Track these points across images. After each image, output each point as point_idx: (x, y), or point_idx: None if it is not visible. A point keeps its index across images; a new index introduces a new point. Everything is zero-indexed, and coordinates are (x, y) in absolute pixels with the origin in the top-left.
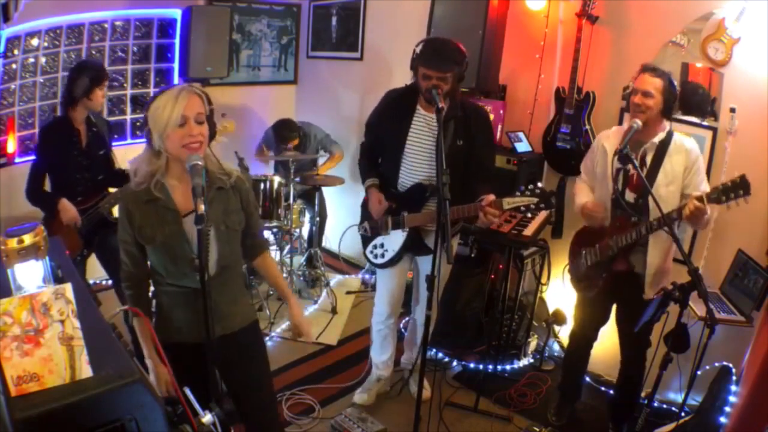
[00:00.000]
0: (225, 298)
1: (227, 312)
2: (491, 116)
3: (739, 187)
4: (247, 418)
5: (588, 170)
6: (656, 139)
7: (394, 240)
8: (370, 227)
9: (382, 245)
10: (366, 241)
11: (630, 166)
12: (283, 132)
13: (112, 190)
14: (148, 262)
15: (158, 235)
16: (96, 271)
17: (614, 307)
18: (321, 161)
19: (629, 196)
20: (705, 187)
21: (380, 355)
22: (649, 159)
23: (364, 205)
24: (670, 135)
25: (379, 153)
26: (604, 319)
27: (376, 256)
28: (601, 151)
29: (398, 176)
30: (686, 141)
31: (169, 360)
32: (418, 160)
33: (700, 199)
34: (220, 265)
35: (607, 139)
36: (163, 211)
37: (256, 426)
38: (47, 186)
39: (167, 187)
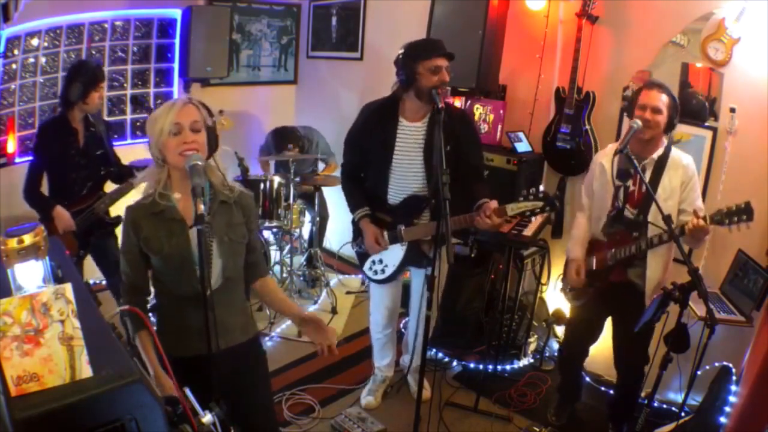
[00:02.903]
0: (229, 310)
1: (231, 325)
2: (491, 116)
3: (743, 213)
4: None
5: (589, 191)
6: (655, 156)
7: (393, 255)
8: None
9: (381, 261)
10: (362, 257)
11: (630, 183)
12: (282, 141)
13: (107, 190)
14: (150, 273)
15: (165, 246)
16: (96, 271)
17: (610, 320)
18: (319, 167)
19: (629, 212)
20: (699, 204)
21: (381, 359)
22: (648, 175)
23: (356, 222)
24: (667, 150)
25: (364, 170)
26: (597, 333)
27: (376, 272)
28: (599, 168)
29: (387, 191)
30: (683, 157)
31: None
32: (406, 173)
33: (703, 218)
34: (224, 277)
35: (605, 157)
36: (169, 223)
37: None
38: (45, 187)
39: (172, 199)
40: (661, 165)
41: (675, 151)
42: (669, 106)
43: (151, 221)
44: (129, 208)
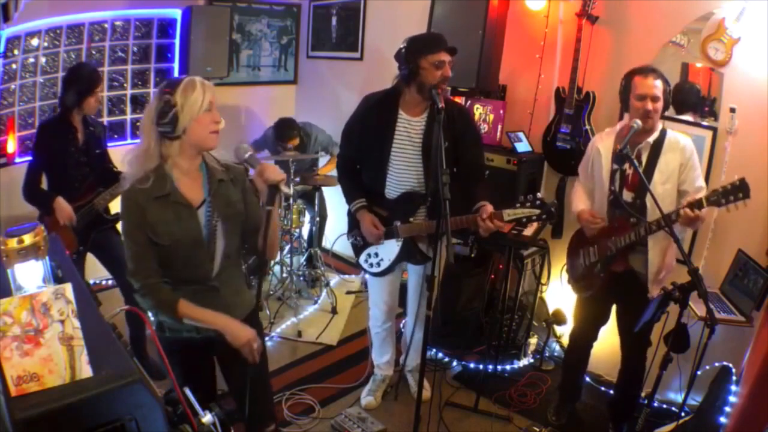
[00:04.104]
0: (230, 289)
1: (232, 303)
2: (491, 116)
3: (739, 190)
4: (244, 406)
5: (585, 173)
6: (651, 139)
7: (389, 249)
8: (362, 236)
9: (376, 254)
10: (358, 249)
11: (626, 166)
12: (284, 130)
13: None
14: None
15: (176, 231)
16: (96, 272)
17: (614, 306)
18: (322, 162)
19: (627, 195)
20: (701, 183)
21: (380, 356)
22: (644, 158)
23: (351, 214)
24: (663, 133)
25: (361, 163)
26: (604, 319)
27: (371, 265)
28: (596, 153)
29: (385, 185)
30: (681, 138)
31: (177, 355)
32: (404, 167)
33: (698, 204)
34: (225, 256)
35: (601, 141)
36: (176, 207)
37: (252, 408)
38: (44, 185)
39: (173, 181)
40: (657, 148)
41: (672, 133)
42: (664, 91)
43: (155, 206)
44: (128, 193)
